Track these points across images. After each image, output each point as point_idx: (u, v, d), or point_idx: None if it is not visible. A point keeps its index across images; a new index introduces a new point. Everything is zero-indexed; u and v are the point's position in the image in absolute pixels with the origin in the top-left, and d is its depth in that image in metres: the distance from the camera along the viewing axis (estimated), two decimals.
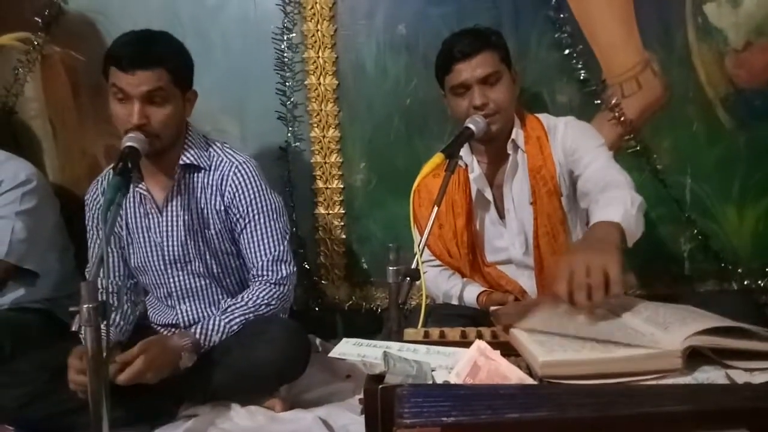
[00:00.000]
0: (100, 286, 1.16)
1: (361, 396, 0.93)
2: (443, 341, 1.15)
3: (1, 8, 2.16)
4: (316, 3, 2.07)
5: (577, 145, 1.66)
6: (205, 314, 1.73)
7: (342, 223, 2.20)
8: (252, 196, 1.69)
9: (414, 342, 1.11)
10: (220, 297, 1.76)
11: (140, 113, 1.53)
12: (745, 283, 2.10)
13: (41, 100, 2.20)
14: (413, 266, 1.37)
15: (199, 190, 1.69)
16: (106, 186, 1.54)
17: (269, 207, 1.70)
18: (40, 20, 2.13)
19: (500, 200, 1.75)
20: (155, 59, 1.54)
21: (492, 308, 1.43)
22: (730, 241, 2.10)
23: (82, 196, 1.82)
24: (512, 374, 0.91)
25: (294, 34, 2.11)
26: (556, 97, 2.07)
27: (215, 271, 1.74)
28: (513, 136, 1.70)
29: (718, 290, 2.08)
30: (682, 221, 2.10)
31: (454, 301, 1.76)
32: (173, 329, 1.75)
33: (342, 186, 2.18)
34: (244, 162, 1.71)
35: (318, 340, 2.05)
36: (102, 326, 1.12)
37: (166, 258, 1.72)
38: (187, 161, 1.67)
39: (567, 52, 2.03)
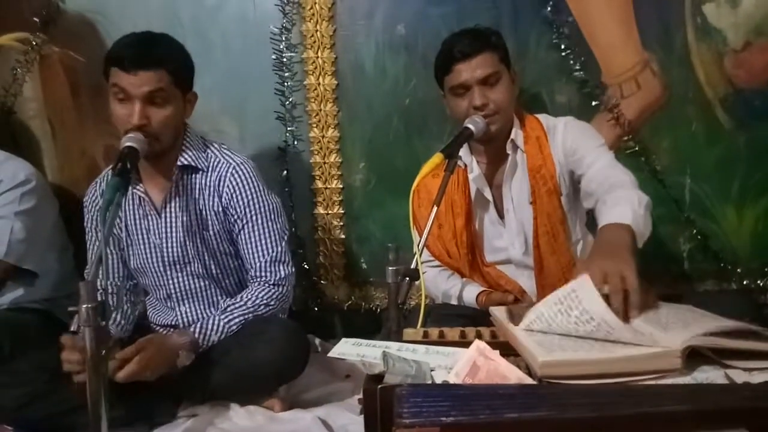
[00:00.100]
0: (99, 287, 1.16)
1: (360, 396, 0.93)
2: (442, 341, 1.14)
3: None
4: (315, 3, 2.07)
5: (578, 144, 1.66)
6: (205, 315, 1.73)
7: (341, 223, 2.20)
8: (250, 197, 1.69)
9: (413, 342, 1.11)
10: (220, 298, 1.76)
11: (141, 113, 1.53)
12: (745, 282, 2.10)
13: (40, 100, 2.20)
14: (412, 266, 1.37)
15: (197, 191, 1.69)
16: (105, 186, 1.54)
17: (267, 208, 1.70)
18: (37, 20, 2.13)
19: (500, 200, 1.75)
20: (157, 60, 1.55)
21: (492, 308, 1.43)
22: (730, 241, 2.11)
23: (81, 196, 1.82)
24: (511, 374, 0.91)
25: (293, 35, 2.11)
26: (555, 98, 2.07)
27: (214, 272, 1.74)
28: (512, 136, 1.70)
29: (717, 290, 2.08)
30: (681, 221, 2.10)
31: (454, 301, 1.76)
32: (173, 330, 1.75)
33: (341, 186, 2.18)
34: (241, 163, 1.70)
35: (317, 340, 2.06)
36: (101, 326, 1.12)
37: (165, 259, 1.72)
38: (185, 162, 1.67)
39: (566, 52, 2.03)
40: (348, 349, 1.07)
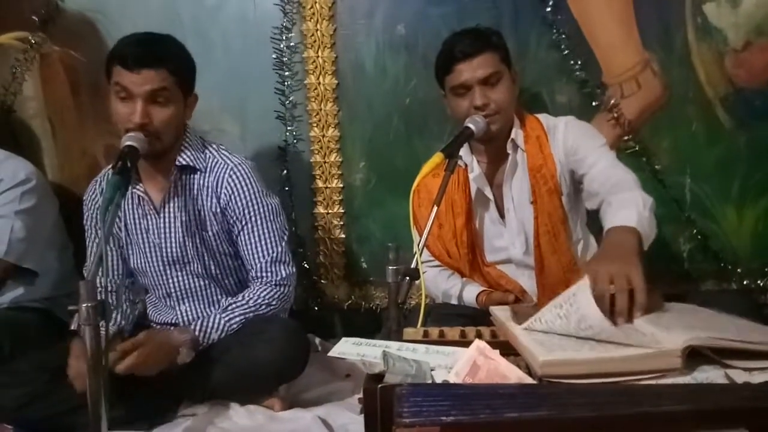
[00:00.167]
0: (99, 285, 1.16)
1: (361, 395, 0.93)
2: (442, 341, 1.14)
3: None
4: (315, 2, 2.07)
5: (579, 144, 1.66)
6: (205, 314, 1.72)
7: (341, 223, 2.20)
8: (248, 199, 1.68)
9: (413, 341, 1.11)
10: (220, 297, 1.76)
11: (143, 112, 1.53)
12: (745, 282, 2.10)
13: (40, 99, 2.20)
14: (412, 266, 1.37)
15: (196, 191, 1.69)
16: (105, 185, 1.54)
17: (266, 208, 1.70)
18: (37, 19, 2.13)
19: (500, 199, 1.75)
20: (160, 59, 1.55)
21: (492, 308, 1.43)
22: (730, 241, 2.11)
23: (81, 195, 1.82)
24: (511, 374, 0.91)
25: (293, 34, 2.11)
26: (556, 98, 2.07)
27: (214, 271, 1.74)
28: (512, 135, 1.70)
29: (717, 290, 2.08)
30: (681, 221, 2.10)
31: (454, 301, 1.76)
32: (173, 328, 1.75)
33: (341, 185, 2.18)
34: (239, 164, 1.70)
35: (317, 340, 2.06)
36: (101, 325, 1.12)
37: (165, 259, 1.72)
38: (183, 162, 1.66)
39: (566, 52, 2.03)
40: (348, 349, 1.07)
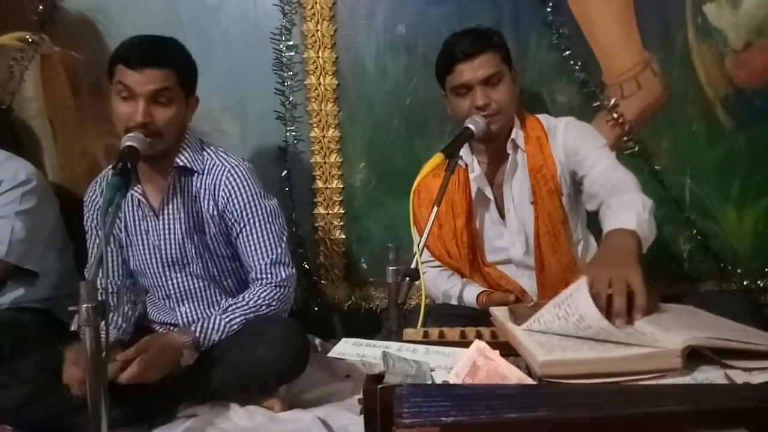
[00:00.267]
0: (99, 286, 1.16)
1: (360, 396, 0.93)
2: (442, 341, 1.14)
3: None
4: (315, 3, 2.07)
5: (579, 145, 1.66)
6: (205, 315, 1.73)
7: (341, 223, 2.20)
8: (246, 201, 1.68)
9: (413, 342, 1.11)
10: (220, 298, 1.76)
11: (145, 111, 1.53)
12: (745, 283, 2.10)
13: (41, 100, 2.20)
14: (412, 266, 1.37)
15: (194, 193, 1.69)
16: (105, 185, 1.53)
17: (264, 210, 1.70)
18: (36, 19, 2.13)
19: (500, 200, 1.75)
20: (164, 59, 1.56)
21: (492, 308, 1.43)
22: (730, 241, 2.11)
23: (81, 196, 1.82)
24: (511, 374, 0.91)
25: (293, 34, 2.11)
26: (556, 98, 2.07)
27: (214, 272, 1.74)
28: (513, 135, 1.70)
29: (717, 290, 2.08)
30: (681, 221, 2.10)
31: (454, 301, 1.76)
32: (173, 328, 1.75)
33: (341, 186, 2.18)
34: (236, 166, 1.70)
35: (317, 340, 2.06)
36: (101, 326, 1.12)
37: (165, 260, 1.72)
38: (181, 164, 1.66)
39: (566, 52, 2.03)
40: (348, 349, 1.07)
